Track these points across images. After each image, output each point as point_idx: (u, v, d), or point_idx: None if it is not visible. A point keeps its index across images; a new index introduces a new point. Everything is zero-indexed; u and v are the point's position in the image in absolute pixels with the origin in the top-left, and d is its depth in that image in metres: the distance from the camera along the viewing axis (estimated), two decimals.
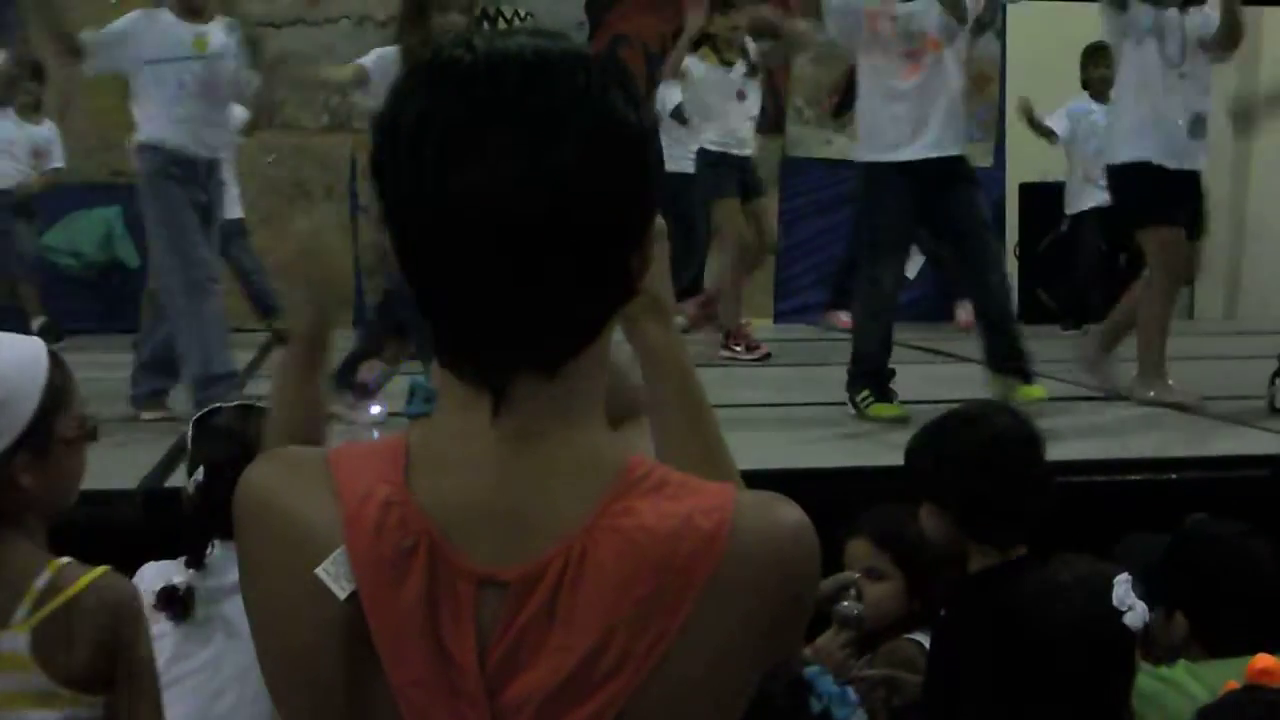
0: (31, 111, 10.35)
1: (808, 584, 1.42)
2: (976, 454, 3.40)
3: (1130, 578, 3.05)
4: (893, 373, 6.48)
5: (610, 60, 1.38)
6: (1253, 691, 2.47)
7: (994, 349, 6.57)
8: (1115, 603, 2.95)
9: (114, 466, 5.06)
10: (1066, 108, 10.44)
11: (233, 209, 9.52)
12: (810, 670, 3.26)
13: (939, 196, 6.40)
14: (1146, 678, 3.11)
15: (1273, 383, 6.48)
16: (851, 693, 3.19)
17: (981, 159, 11.40)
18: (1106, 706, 2.82)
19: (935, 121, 6.39)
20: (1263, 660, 2.53)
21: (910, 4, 6.32)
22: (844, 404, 6.49)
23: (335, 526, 1.35)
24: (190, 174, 6.42)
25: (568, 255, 1.31)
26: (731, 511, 1.35)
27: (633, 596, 1.31)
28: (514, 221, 1.29)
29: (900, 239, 6.60)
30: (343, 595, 1.33)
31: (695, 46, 8.84)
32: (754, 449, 5.46)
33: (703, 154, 8.97)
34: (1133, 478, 5.15)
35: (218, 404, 3.94)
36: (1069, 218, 10.58)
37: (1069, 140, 10.39)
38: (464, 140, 1.29)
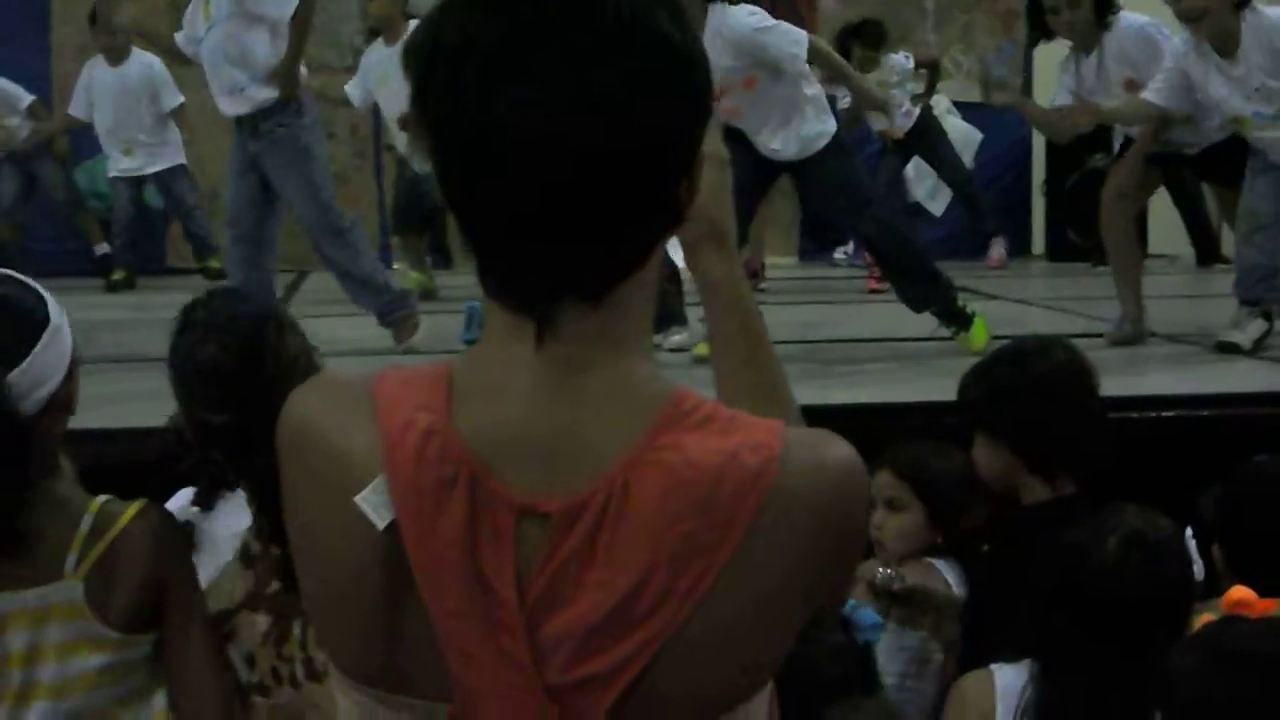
0: None
1: (857, 523, 1.41)
2: (1033, 384, 3.43)
3: (1190, 532, 3.06)
4: None
5: None
6: (1226, 622, 2.46)
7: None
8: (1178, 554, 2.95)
9: (145, 405, 5.07)
10: None
11: (176, 155, 10.06)
12: (847, 605, 3.28)
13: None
14: None
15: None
16: (876, 617, 3.22)
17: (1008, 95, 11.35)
18: (1153, 653, 2.81)
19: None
20: (1238, 591, 2.52)
21: None
22: (870, 340, 6.49)
23: (375, 455, 1.34)
24: None
25: (613, 179, 1.28)
26: (779, 449, 1.33)
27: (675, 533, 1.29)
28: (558, 144, 1.26)
29: None
30: (381, 525, 1.32)
31: None
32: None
33: None
34: (1164, 414, 5.11)
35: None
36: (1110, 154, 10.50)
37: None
38: (507, 62, 1.26)
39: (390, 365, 1.44)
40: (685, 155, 1.35)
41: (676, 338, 6.38)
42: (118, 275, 10.41)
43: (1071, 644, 2.82)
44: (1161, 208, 9.60)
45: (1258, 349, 6.27)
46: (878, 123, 10.36)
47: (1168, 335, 6.92)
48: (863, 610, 3.24)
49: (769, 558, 1.31)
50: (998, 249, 11.19)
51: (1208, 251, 10.82)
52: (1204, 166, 6.92)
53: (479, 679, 1.33)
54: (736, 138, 6.32)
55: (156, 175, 10.48)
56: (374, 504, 1.32)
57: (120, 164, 10.45)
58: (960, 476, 3.60)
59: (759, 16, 6.20)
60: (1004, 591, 3.32)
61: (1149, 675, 2.72)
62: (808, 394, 5.07)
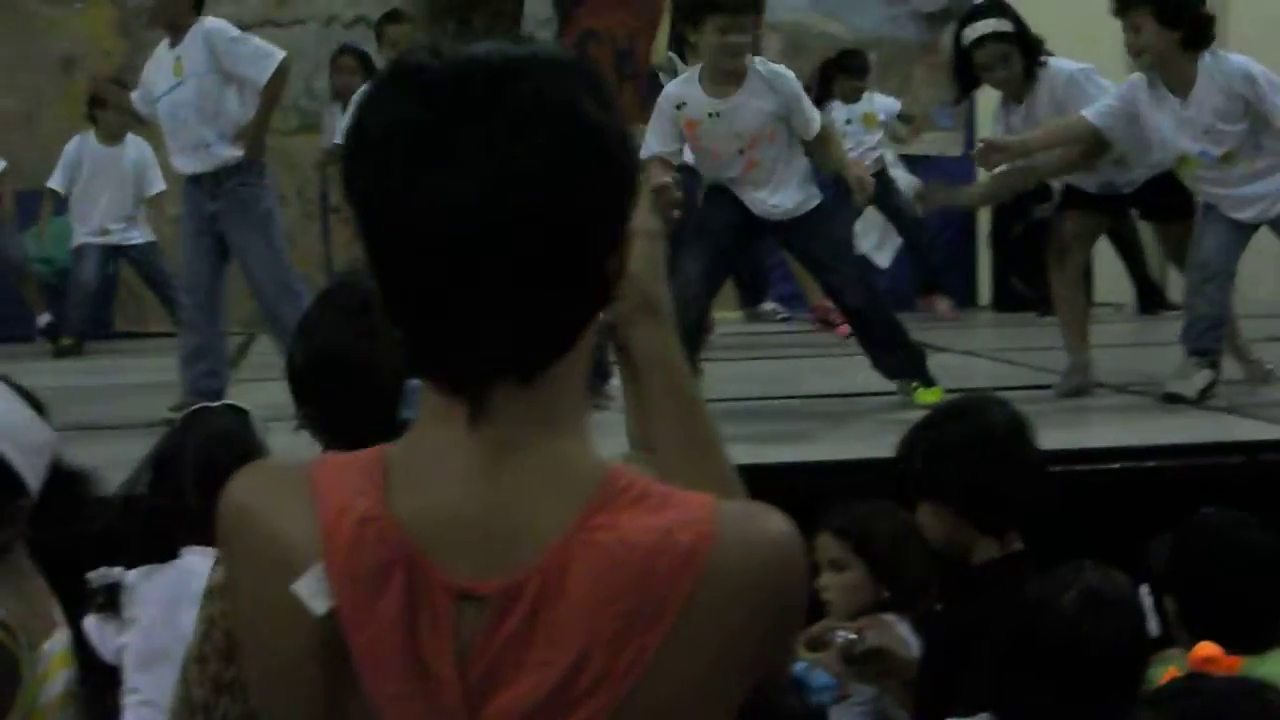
0: None
1: (795, 596, 1.40)
2: (971, 443, 3.43)
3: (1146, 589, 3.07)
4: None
5: (580, 62, 1.37)
6: (1193, 679, 2.46)
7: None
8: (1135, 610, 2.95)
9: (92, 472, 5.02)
10: None
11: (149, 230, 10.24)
12: (799, 667, 3.27)
13: None
14: None
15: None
16: (829, 678, 3.21)
17: (951, 148, 11.42)
18: (1109, 708, 2.81)
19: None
20: (1205, 648, 2.53)
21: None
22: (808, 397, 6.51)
23: (313, 541, 1.34)
24: None
25: (540, 260, 1.29)
26: (712, 524, 1.33)
27: (611, 612, 1.29)
28: (483, 227, 1.27)
29: None
30: (320, 611, 1.32)
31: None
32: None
33: None
34: (1111, 466, 5.13)
35: (205, 403, 3.96)
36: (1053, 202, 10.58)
37: None
38: (431, 146, 1.28)
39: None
40: (611, 233, 1.36)
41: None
42: (66, 342, 10.32)
43: (1028, 699, 2.82)
44: (1106, 257, 9.67)
45: (1204, 399, 6.29)
46: None
47: (1115, 385, 6.95)
48: (816, 672, 3.24)
49: (706, 634, 1.31)
50: (943, 302, 11.23)
51: (1151, 298, 10.89)
52: (1143, 204, 6.97)
53: None
54: (722, 196, 6.39)
55: (134, 248, 10.40)
56: (311, 591, 1.32)
57: (92, 235, 10.34)
58: (899, 534, 3.62)
59: (791, 75, 6.36)
60: (958, 648, 3.32)
61: None
62: (759, 453, 5.12)
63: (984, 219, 11.83)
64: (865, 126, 10.59)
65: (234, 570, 1.43)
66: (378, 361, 2.35)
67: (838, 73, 10.41)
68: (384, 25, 9.89)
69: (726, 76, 6.17)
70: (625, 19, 11.66)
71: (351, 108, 1.36)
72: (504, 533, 1.33)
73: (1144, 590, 3.07)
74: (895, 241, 11.24)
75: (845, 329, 9.42)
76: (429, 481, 1.35)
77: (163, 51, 6.74)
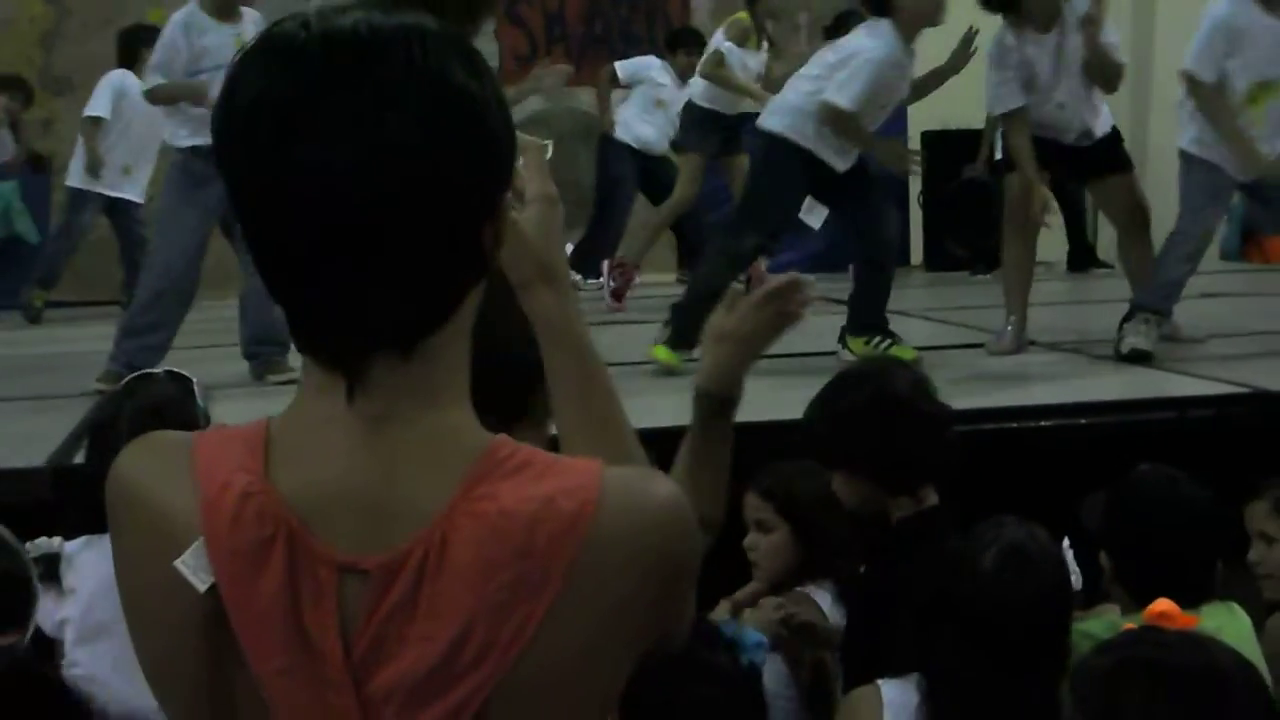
0: None
1: (682, 561, 1.39)
2: (874, 407, 3.46)
3: (1067, 543, 3.11)
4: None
5: (451, 31, 1.35)
6: (1146, 632, 2.49)
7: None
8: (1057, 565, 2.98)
9: (20, 444, 5.00)
10: None
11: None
12: (726, 625, 3.29)
13: None
14: (1075, 634, 3.14)
15: (1120, 328, 6.44)
16: (761, 636, 3.23)
17: None
18: (1040, 658, 2.84)
19: None
20: (1161, 604, 2.55)
21: None
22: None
23: (195, 517, 1.33)
24: None
25: (412, 231, 1.29)
26: (596, 491, 1.32)
27: (494, 583, 1.29)
28: (353, 200, 1.27)
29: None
30: (202, 587, 1.31)
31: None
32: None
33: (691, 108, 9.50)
34: (1042, 423, 5.18)
35: (147, 369, 3.94)
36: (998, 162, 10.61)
37: None
38: (298, 119, 1.27)
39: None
40: (484, 202, 1.35)
41: None
42: (39, 302, 10.17)
43: (954, 658, 2.84)
44: None
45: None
46: None
47: (1047, 343, 6.99)
48: (746, 630, 3.25)
49: (592, 601, 1.31)
50: None
51: (1082, 256, 10.98)
52: (1080, 163, 6.92)
53: None
54: (805, 159, 6.48)
55: (129, 203, 10.14)
56: (193, 567, 1.32)
57: (101, 182, 10.04)
58: (823, 495, 3.64)
59: None
60: (882, 608, 3.35)
61: (1032, 685, 2.76)
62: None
63: (914, 180, 11.87)
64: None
65: (119, 545, 1.41)
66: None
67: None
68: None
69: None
70: None
71: (224, 79, 1.34)
72: (386, 506, 1.32)
73: (1065, 545, 3.10)
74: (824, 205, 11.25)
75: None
76: (310, 455, 1.34)
77: (210, 24, 6.62)
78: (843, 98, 6.32)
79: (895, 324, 6.69)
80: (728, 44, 9.32)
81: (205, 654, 1.33)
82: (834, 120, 6.34)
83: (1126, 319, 6.44)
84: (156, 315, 6.52)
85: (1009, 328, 6.76)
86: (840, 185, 6.59)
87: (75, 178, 10.06)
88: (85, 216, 10.13)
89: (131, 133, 9.86)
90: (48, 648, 3.51)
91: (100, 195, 10.05)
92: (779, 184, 6.59)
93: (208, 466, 1.35)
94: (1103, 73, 6.59)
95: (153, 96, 6.97)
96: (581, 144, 11.53)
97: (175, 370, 3.82)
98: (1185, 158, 6.52)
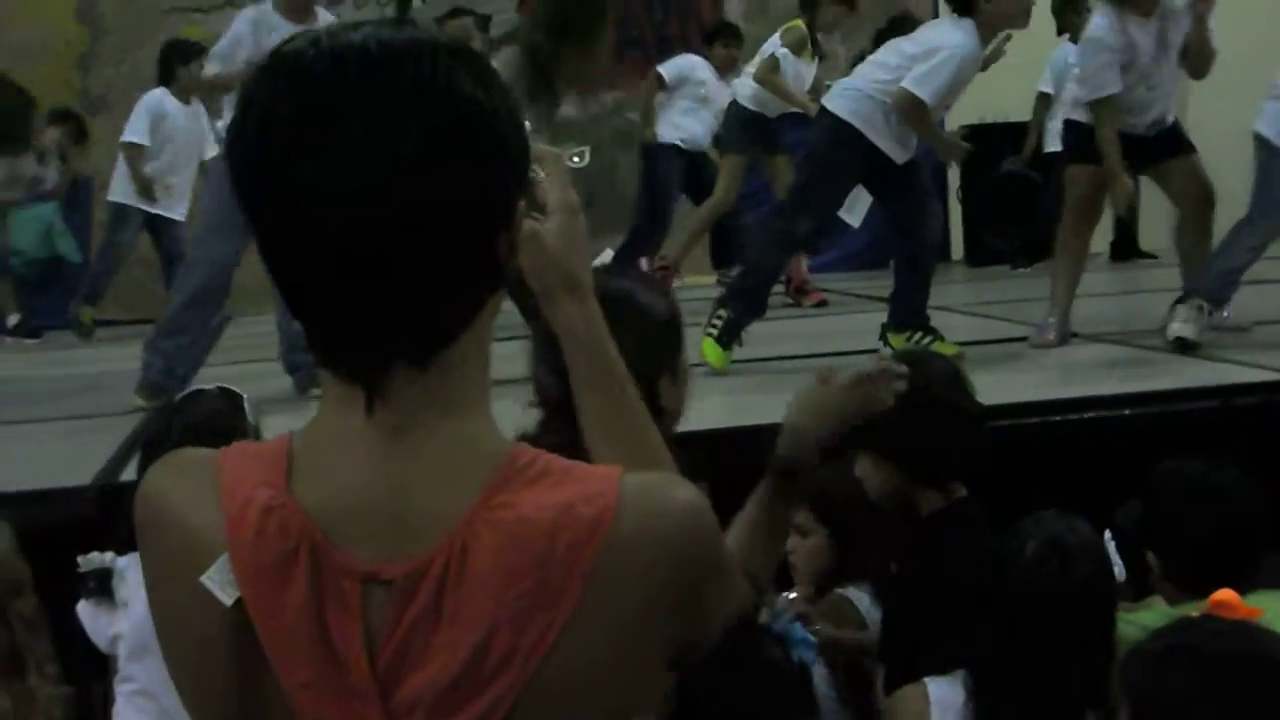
0: None
1: (706, 566, 1.40)
2: (910, 397, 3.45)
3: (1110, 534, 3.10)
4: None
5: (459, 44, 1.36)
6: (1201, 620, 2.48)
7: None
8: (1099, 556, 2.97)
9: (66, 463, 5.04)
10: (1049, 61, 10.49)
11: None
12: (775, 622, 3.29)
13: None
14: (1122, 623, 3.13)
15: (1171, 309, 6.40)
16: (809, 635, 3.24)
17: None
18: (1086, 651, 2.83)
19: None
20: (1223, 594, 2.54)
21: None
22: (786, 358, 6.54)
23: (220, 532, 1.34)
24: None
25: (425, 245, 1.29)
26: (615, 498, 1.33)
27: (514, 591, 1.30)
28: (365, 217, 1.27)
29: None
30: (228, 602, 1.33)
31: None
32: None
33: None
34: (1086, 415, 5.15)
35: (198, 387, 3.96)
36: (1044, 155, 10.57)
37: (1055, 89, 10.38)
38: (308, 137, 1.28)
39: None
40: (498, 213, 1.35)
41: None
42: (87, 321, 10.23)
43: (998, 652, 2.84)
44: None
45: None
46: None
47: (1091, 335, 6.96)
48: (794, 627, 3.26)
49: (615, 607, 1.32)
50: None
51: (1125, 246, 10.93)
52: (1141, 151, 6.75)
53: None
54: (866, 148, 6.46)
55: (169, 220, 10.14)
56: (219, 582, 1.33)
57: (145, 199, 10.07)
58: (854, 497, 3.64)
59: None
60: (917, 605, 3.34)
61: (1080, 677, 2.75)
62: (736, 416, 5.14)
63: (953, 173, 11.84)
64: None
65: (147, 561, 1.43)
66: None
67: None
68: (443, 21, 9.61)
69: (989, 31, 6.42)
70: None
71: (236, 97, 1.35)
72: (407, 516, 1.33)
73: (1108, 537, 3.09)
74: (866, 201, 11.24)
75: (816, 297, 9.52)
76: (331, 468, 1.36)
77: (280, 23, 6.49)
78: (924, 90, 6.31)
79: (936, 319, 6.69)
80: (784, 50, 9.30)
81: (233, 668, 1.35)
82: (910, 110, 6.33)
83: (1179, 301, 6.39)
84: (190, 317, 6.51)
85: (1052, 319, 6.72)
86: (892, 178, 6.59)
87: (118, 193, 10.10)
88: (128, 233, 10.15)
89: (171, 151, 9.93)
90: (101, 663, 3.54)
91: (141, 211, 10.07)
92: (837, 168, 6.61)
93: (231, 483, 1.37)
94: (1201, 57, 6.57)
95: (209, 83, 7.02)
96: (619, 151, 11.55)
97: (226, 386, 3.84)
98: (1268, 147, 6.46)
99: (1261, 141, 6.49)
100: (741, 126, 9.41)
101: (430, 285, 1.31)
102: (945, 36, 6.46)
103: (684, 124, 9.96)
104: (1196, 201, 6.72)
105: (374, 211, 1.27)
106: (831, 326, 8.09)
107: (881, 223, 11.08)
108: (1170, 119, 6.71)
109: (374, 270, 1.29)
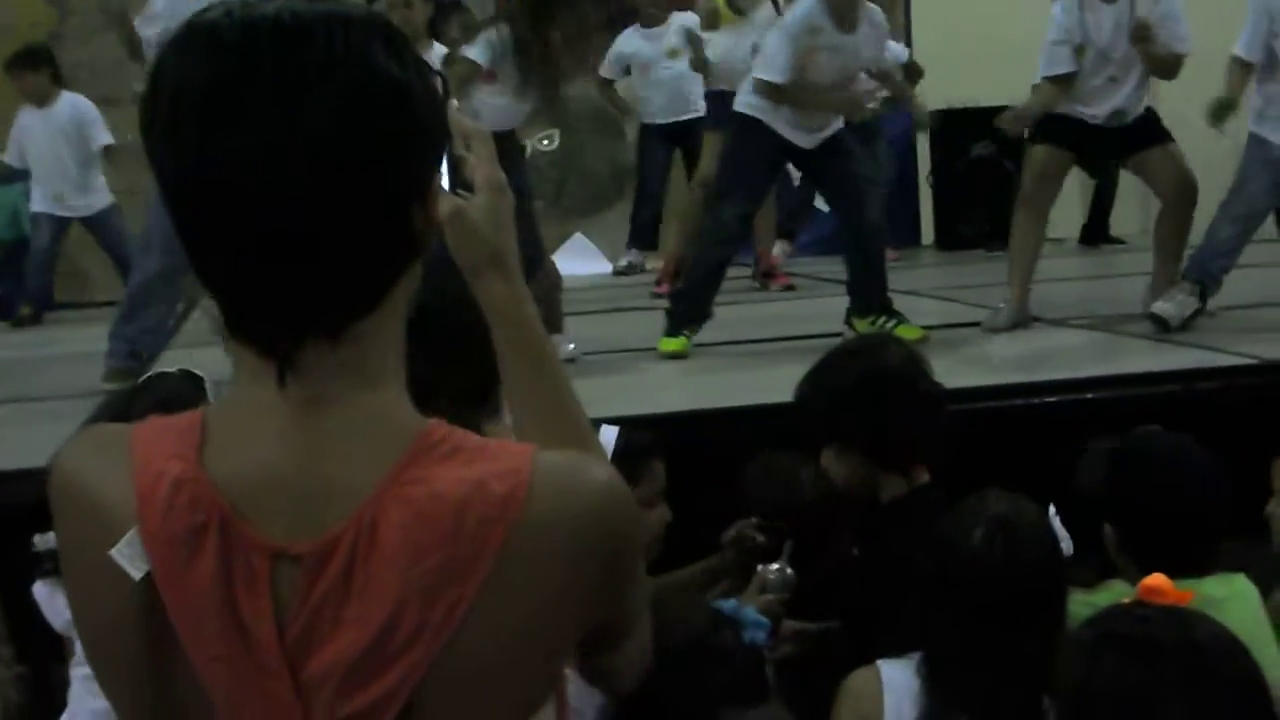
0: None
1: (622, 544, 1.40)
2: (868, 383, 3.45)
3: (1053, 510, 3.09)
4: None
5: (376, 17, 1.36)
6: (1131, 606, 2.48)
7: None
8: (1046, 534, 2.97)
9: (25, 444, 5.02)
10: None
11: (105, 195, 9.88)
12: (726, 605, 3.29)
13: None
14: (1077, 604, 3.12)
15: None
16: (761, 616, 3.24)
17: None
18: (1038, 631, 2.83)
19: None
20: (1153, 579, 2.54)
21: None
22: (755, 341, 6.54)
23: (131, 506, 1.34)
24: None
25: (336, 217, 1.30)
26: (528, 475, 1.33)
27: (424, 566, 1.30)
28: (276, 188, 1.28)
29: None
30: (137, 575, 1.33)
31: None
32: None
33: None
34: (1050, 399, 5.16)
35: (161, 370, 3.94)
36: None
37: None
38: (219, 109, 1.28)
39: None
40: (410, 186, 1.36)
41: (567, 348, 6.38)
42: (25, 311, 10.19)
43: (951, 635, 2.84)
44: None
45: (1184, 328, 6.32)
46: None
47: (1056, 319, 6.98)
48: (746, 609, 3.25)
49: (525, 584, 1.32)
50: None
51: (1096, 232, 10.94)
52: (1115, 143, 6.85)
53: None
54: (767, 134, 6.48)
55: (90, 219, 10.12)
56: (129, 555, 1.33)
57: (49, 204, 10.09)
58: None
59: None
60: (877, 589, 3.34)
61: (1033, 658, 2.75)
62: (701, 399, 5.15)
63: (923, 158, 11.84)
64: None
65: (61, 537, 1.43)
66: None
67: None
68: None
69: (846, 9, 6.41)
70: None
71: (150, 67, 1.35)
72: (317, 491, 1.33)
73: (1052, 512, 3.08)
74: None
75: (783, 280, 9.51)
76: (243, 442, 1.36)
77: None
78: (767, 72, 6.42)
79: (905, 303, 6.70)
80: (703, 35, 9.36)
81: (144, 642, 1.35)
82: (770, 95, 6.42)
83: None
84: (150, 297, 6.45)
85: (1004, 304, 6.74)
86: (812, 163, 6.68)
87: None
88: (41, 235, 10.14)
89: (36, 159, 10.03)
90: (58, 646, 3.52)
91: (51, 217, 10.09)
92: (746, 159, 6.65)
93: (144, 456, 1.36)
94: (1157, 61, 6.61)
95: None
96: (589, 134, 11.53)
97: (188, 369, 3.82)
98: (1250, 135, 6.54)
99: (1251, 135, 6.57)
100: (715, 105, 9.39)
101: (343, 257, 1.31)
102: (790, 14, 6.64)
103: (642, 100, 10.06)
104: (1176, 191, 6.74)
105: (284, 184, 1.27)
106: (798, 310, 8.07)
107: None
108: (1133, 114, 6.71)
109: (286, 243, 1.29)
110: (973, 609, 2.81)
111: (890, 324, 6.44)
